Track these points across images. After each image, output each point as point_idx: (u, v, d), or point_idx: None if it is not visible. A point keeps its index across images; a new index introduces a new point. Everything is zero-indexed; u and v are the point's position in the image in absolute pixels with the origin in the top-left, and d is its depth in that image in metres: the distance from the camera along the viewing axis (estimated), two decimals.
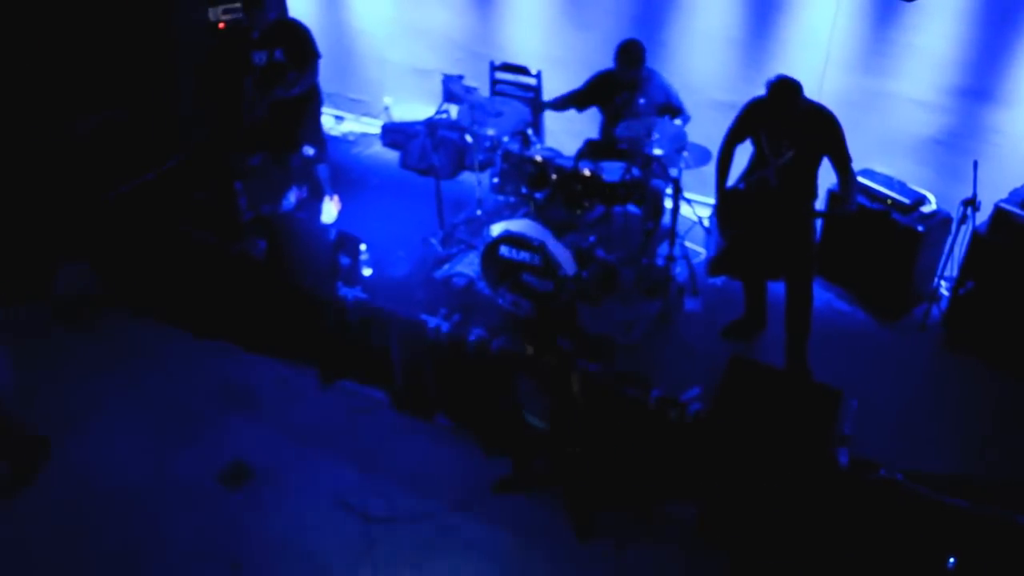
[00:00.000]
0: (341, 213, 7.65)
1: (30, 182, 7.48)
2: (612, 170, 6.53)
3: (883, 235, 6.40)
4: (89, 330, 6.91)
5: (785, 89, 5.40)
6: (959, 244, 6.29)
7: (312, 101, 7.57)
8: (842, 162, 5.57)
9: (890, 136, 6.78)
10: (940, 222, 6.39)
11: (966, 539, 4.85)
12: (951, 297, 6.43)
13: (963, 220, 6.12)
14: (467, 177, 8.16)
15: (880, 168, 6.67)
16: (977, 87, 6.36)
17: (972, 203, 6.00)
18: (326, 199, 7.65)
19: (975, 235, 6.11)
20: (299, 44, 7.22)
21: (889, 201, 6.40)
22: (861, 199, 6.48)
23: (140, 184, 7.53)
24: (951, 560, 4.84)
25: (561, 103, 7.00)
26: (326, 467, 5.70)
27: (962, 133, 6.52)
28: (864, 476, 5.02)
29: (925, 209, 6.40)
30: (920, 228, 6.29)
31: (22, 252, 7.36)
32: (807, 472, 5.08)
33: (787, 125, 5.55)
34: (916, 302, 6.62)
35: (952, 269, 6.41)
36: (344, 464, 5.69)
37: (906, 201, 6.39)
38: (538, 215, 6.57)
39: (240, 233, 7.05)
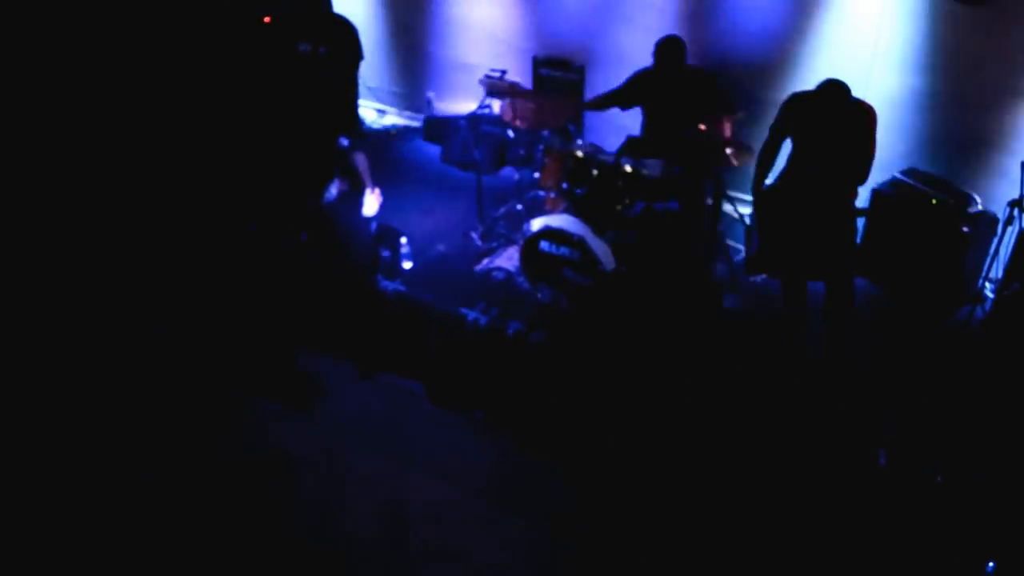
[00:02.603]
0: (382, 206, 7.68)
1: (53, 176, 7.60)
2: (653, 166, 6.52)
3: (928, 235, 6.34)
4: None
5: (835, 90, 5.40)
6: (1005, 245, 6.21)
7: (350, 94, 7.61)
8: (866, 154, 5.54)
9: (936, 135, 6.71)
10: (986, 223, 6.32)
11: (1006, 543, 4.80)
12: (996, 299, 6.35)
13: (1009, 221, 6.04)
14: (508, 172, 8.18)
15: (926, 167, 6.60)
16: None
17: (1019, 204, 5.92)
18: (367, 192, 7.68)
19: (1021, 236, 6.03)
20: (345, 42, 7.24)
21: (934, 201, 6.34)
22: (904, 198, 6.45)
23: (186, 176, 7.63)
24: (990, 565, 4.79)
25: (601, 102, 6.99)
26: (363, 458, 5.72)
27: (1009, 133, 6.44)
28: (903, 476, 4.98)
29: (971, 209, 6.33)
30: (965, 229, 6.21)
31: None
32: (847, 469, 5.06)
33: (830, 122, 5.52)
34: (960, 303, 6.55)
35: (997, 271, 6.33)
36: (381, 456, 5.71)
37: (952, 201, 6.32)
38: (578, 210, 6.57)
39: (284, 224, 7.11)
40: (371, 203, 7.49)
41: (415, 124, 9.44)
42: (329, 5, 7.85)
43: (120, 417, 5.82)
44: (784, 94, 5.90)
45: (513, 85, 7.05)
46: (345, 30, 7.20)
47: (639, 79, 6.80)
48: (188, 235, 7.28)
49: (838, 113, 5.48)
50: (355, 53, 7.23)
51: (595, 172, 6.51)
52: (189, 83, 7.89)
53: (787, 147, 5.82)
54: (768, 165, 5.89)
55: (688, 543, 5.08)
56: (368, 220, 7.09)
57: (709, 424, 5.52)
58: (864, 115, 5.50)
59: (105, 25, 7.56)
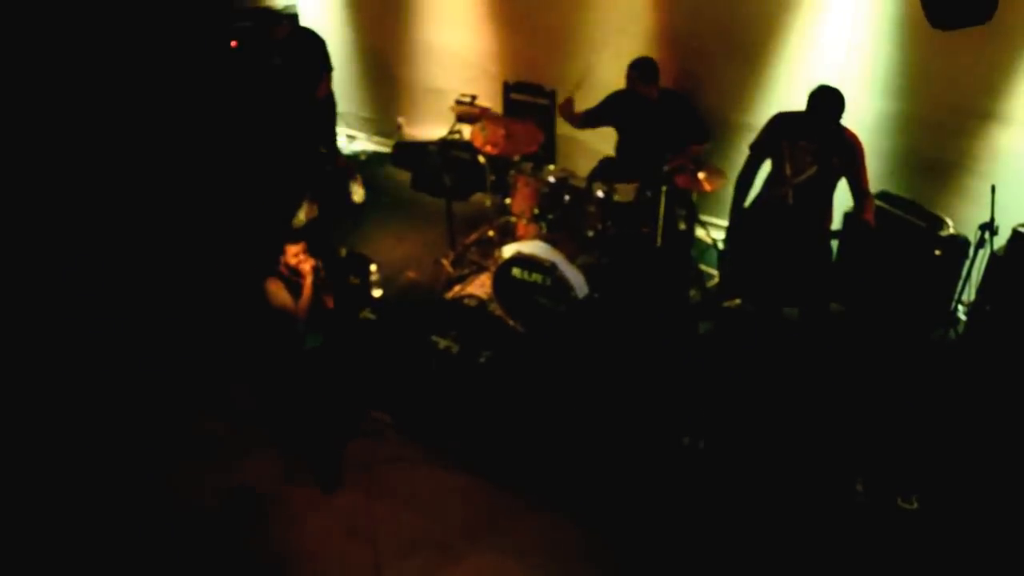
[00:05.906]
0: (351, 234, 7.63)
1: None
2: (625, 191, 6.49)
3: (900, 258, 6.34)
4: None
5: (831, 98, 5.39)
6: (977, 268, 6.21)
7: (327, 110, 7.63)
8: (860, 186, 5.54)
9: (908, 159, 6.72)
10: (958, 246, 6.33)
11: (984, 567, 4.78)
12: (968, 320, 6.36)
13: (981, 244, 6.05)
14: (479, 197, 8.12)
15: (897, 191, 6.61)
16: (996, 110, 6.30)
17: (990, 227, 5.94)
18: (352, 182, 7.73)
19: (993, 258, 6.05)
20: (314, 55, 7.29)
21: (907, 222, 6.35)
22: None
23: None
24: None
25: (578, 121, 6.96)
26: (333, 491, 5.63)
27: (980, 157, 6.45)
28: (881, 502, 4.96)
29: (943, 232, 6.34)
30: (937, 251, 6.22)
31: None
32: (824, 499, 5.02)
33: (814, 141, 5.50)
34: (933, 325, 6.55)
35: (970, 293, 6.33)
36: (351, 489, 5.62)
37: (923, 224, 6.33)
38: (550, 237, 6.52)
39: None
40: (358, 191, 7.46)
41: (385, 149, 9.38)
42: (296, 22, 7.86)
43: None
44: (755, 119, 5.91)
45: (484, 110, 7.01)
46: (315, 43, 7.30)
47: (613, 100, 6.79)
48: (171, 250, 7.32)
49: (821, 137, 5.46)
50: (324, 61, 7.32)
51: (567, 198, 6.48)
52: (177, 98, 8.00)
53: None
54: (747, 186, 5.87)
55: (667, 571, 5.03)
56: (337, 248, 7.03)
57: (685, 450, 5.48)
58: (851, 146, 5.50)
59: (104, 31, 7.72)
